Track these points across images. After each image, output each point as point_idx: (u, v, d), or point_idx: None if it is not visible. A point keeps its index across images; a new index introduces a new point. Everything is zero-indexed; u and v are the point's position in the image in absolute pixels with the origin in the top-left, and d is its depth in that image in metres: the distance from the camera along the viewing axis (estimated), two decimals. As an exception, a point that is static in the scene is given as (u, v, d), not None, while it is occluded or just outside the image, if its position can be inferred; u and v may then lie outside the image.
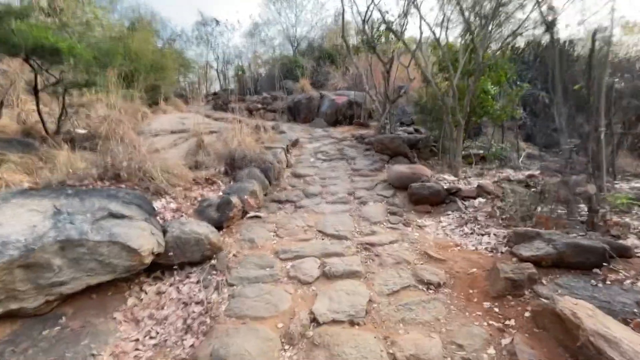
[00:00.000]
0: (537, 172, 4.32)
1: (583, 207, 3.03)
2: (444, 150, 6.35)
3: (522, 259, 2.08)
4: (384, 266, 2.48)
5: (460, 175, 4.59)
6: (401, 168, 4.31)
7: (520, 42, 8.59)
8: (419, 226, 3.22)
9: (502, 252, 2.42)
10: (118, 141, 4.98)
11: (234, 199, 3.34)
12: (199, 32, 19.40)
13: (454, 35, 7.32)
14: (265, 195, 4.18)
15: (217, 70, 19.40)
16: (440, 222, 3.29)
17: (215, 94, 16.41)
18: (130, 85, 9.67)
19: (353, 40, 13.25)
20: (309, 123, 10.33)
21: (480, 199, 3.50)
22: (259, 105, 11.43)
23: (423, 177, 4.04)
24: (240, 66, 15.18)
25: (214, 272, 2.46)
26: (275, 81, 13.10)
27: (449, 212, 3.45)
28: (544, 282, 1.92)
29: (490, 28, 4.33)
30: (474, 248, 2.61)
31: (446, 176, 4.46)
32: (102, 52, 5.23)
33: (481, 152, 6.39)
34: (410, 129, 7.71)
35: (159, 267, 2.47)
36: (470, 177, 4.65)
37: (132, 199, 2.63)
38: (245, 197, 3.57)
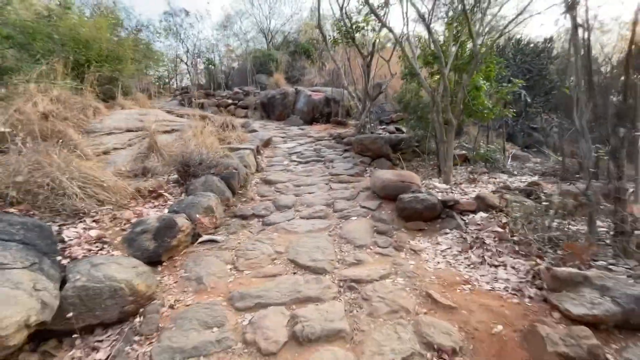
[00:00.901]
0: (537, 179, 3.83)
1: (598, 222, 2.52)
2: (429, 152, 5.81)
3: (572, 319, 1.49)
4: (376, 318, 1.81)
5: (450, 182, 4.02)
6: (387, 175, 3.67)
7: (500, 40, 8.24)
8: (414, 251, 2.58)
9: (530, 297, 1.82)
10: (56, 142, 4.08)
11: (181, 220, 2.55)
12: (168, 23, 18.00)
13: (442, 24, 6.76)
14: (227, 208, 3.41)
15: (186, 64, 18.11)
16: (439, 243, 2.67)
17: (184, 89, 15.21)
18: (81, 78, 8.51)
19: (331, 33, 12.53)
20: (283, 121, 9.55)
21: (482, 214, 2.92)
22: (230, 101, 10.49)
23: (413, 185, 3.42)
24: (209, 59, 14.05)
25: (136, 338, 1.69)
26: (247, 75, 12.17)
27: (447, 231, 2.84)
28: (609, 357, 1.33)
29: (486, 12, 3.77)
30: (489, 287, 2.00)
31: (436, 183, 3.88)
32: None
33: (464, 152, 5.91)
34: (391, 127, 7.14)
35: (55, 334, 1.67)
36: (461, 184, 4.10)
37: (18, 232, 1.80)
38: (198, 215, 2.79)
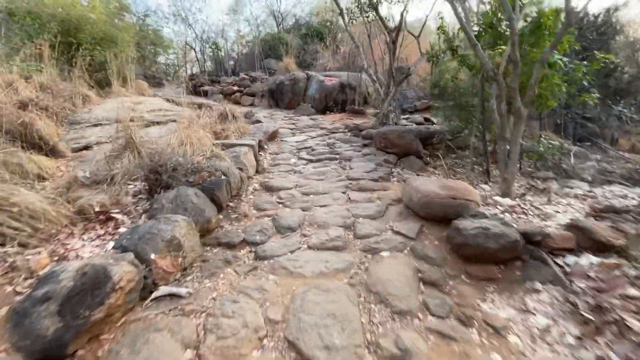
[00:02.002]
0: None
1: None
2: (465, 148, 4.68)
3: None
4: None
5: (513, 193, 2.93)
6: (429, 186, 2.60)
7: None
8: (493, 328, 1.55)
9: None
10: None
11: (119, 270, 1.59)
12: (176, 7, 16.97)
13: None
14: (207, 233, 2.44)
15: (195, 50, 17.12)
16: (529, 312, 1.63)
17: (191, 76, 14.28)
18: (72, 62, 7.65)
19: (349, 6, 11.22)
20: (293, 109, 8.49)
21: (590, 257, 1.84)
22: (235, 88, 9.48)
23: (470, 204, 2.35)
24: (215, 43, 12.98)
25: None
26: (255, 60, 11.09)
27: (537, 286, 1.78)
28: None
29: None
30: None
31: (497, 197, 2.79)
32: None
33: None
34: (418, 117, 5.99)
35: None
36: (525, 196, 3.00)
37: None
38: (154, 255, 1.83)
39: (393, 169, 4.07)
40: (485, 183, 3.71)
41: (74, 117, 6.04)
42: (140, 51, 16.23)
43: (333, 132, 6.03)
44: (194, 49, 17.26)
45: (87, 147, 4.87)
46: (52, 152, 4.27)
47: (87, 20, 8.06)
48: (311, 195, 3.28)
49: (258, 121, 6.02)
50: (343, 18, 6.06)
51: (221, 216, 2.76)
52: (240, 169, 3.45)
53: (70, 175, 2.93)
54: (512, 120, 2.94)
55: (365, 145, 5.08)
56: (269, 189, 3.47)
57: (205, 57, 16.20)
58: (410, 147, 4.29)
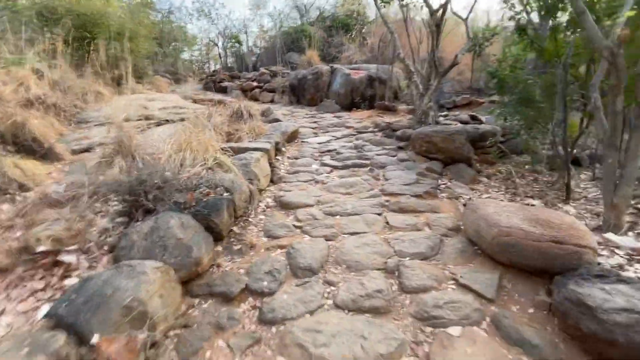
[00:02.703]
0: None
1: None
2: (536, 157, 3.76)
3: None
4: None
5: (623, 225, 2.04)
6: (509, 216, 1.78)
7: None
8: None
9: None
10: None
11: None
12: (200, 4, 16.63)
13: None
14: (196, 276, 1.77)
15: (217, 46, 16.74)
16: None
17: (212, 72, 13.88)
18: (86, 58, 7.31)
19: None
20: (316, 106, 7.76)
21: None
22: (254, 84, 8.86)
23: (584, 253, 1.52)
24: (234, 35, 12.43)
25: None
26: (277, 54, 10.43)
27: None
28: None
29: None
30: None
31: (609, 234, 1.92)
32: None
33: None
34: (463, 115, 5.07)
35: None
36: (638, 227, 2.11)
37: None
38: (97, 338, 1.17)
39: (439, 180, 3.24)
40: (565, 202, 2.81)
41: (83, 116, 5.62)
42: (162, 47, 16.10)
43: (361, 132, 5.25)
44: (217, 45, 16.90)
45: (88, 149, 4.35)
46: (48, 155, 3.78)
47: (103, 14, 7.67)
48: (337, 217, 2.54)
49: (276, 120, 5.34)
50: (377, 6, 5.20)
51: (220, 248, 2.08)
52: (250, 181, 2.77)
53: (40, 190, 2.36)
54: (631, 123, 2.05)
55: (400, 149, 4.27)
56: (284, 205, 2.76)
57: (227, 52, 15.78)
58: (460, 153, 3.44)
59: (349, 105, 7.32)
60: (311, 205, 2.76)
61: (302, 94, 8.19)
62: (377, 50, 9.36)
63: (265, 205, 2.79)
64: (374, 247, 2.06)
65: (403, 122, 5.04)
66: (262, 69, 9.65)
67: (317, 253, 2.01)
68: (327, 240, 2.21)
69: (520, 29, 3.06)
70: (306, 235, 2.29)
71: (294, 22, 14.96)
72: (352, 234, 2.28)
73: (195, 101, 7.90)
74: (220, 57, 16.74)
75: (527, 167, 4.16)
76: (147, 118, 5.66)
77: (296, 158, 4.15)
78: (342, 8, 13.22)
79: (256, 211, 2.65)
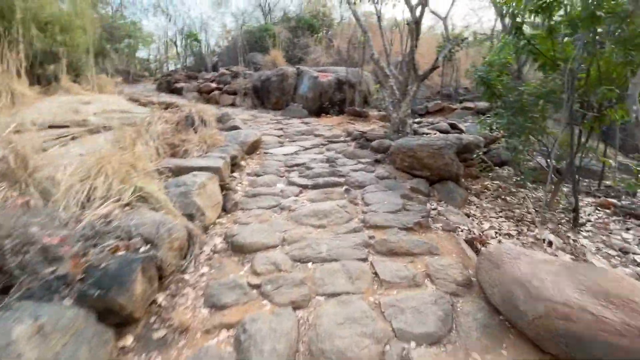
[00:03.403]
0: None
1: None
2: (503, 163, 3.37)
3: None
4: None
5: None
6: (562, 286, 1.22)
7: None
8: None
9: None
10: None
11: None
12: None
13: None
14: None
15: (176, 44, 15.38)
16: None
17: (169, 73, 12.61)
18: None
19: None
20: (281, 110, 7.04)
21: None
22: (214, 85, 7.93)
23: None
24: (192, 33, 11.32)
25: None
26: (238, 53, 9.53)
27: None
28: None
29: None
30: None
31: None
32: None
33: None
34: (442, 124, 4.62)
35: None
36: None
37: None
38: None
39: (428, 204, 2.69)
40: (574, 230, 2.38)
41: (-12, 122, 4.40)
42: (112, 43, 14.44)
43: (332, 142, 4.62)
44: (175, 44, 15.52)
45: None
46: None
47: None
48: (309, 265, 1.87)
49: (235, 127, 4.55)
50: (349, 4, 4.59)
51: (129, 341, 1.32)
52: (190, 218, 2.02)
53: None
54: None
55: (377, 162, 3.69)
56: (238, 248, 2.04)
57: (187, 52, 14.50)
58: (449, 170, 2.93)
59: (318, 110, 6.70)
60: (274, 247, 2.06)
61: (266, 97, 7.42)
62: (345, 53, 8.84)
63: (211, 250, 2.04)
64: (364, 323, 1.41)
65: (377, 131, 4.49)
66: (222, 69, 8.73)
67: (281, 340, 1.33)
68: (295, 308, 1.53)
69: (516, 28, 2.59)
70: (266, 302, 1.59)
71: (257, 21, 14.10)
72: (330, 295, 1.62)
73: (142, 104, 6.83)
74: (179, 57, 15.40)
75: (511, 180, 3.79)
76: (78, 125, 4.63)
77: (257, 175, 3.42)
78: (307, 7, 12.60)
79: (198, 261, 1.90)
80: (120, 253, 1.44)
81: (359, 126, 5.38)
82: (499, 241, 2.14)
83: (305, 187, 3.09)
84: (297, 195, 2.90)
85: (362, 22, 4.36)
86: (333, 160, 3.77)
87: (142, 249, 1.51)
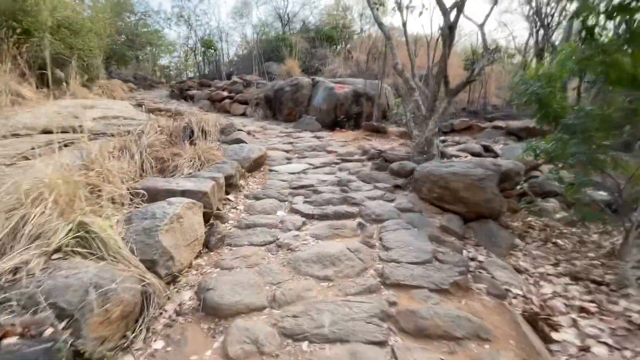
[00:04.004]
0: None
1: None
2: (582, 206, 2.70)
3: None
4: None
5: None
6: None
7: None
8: None
9: None
10: None
11: None
12: (179, 9, 15.32)
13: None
14: None
15: (195, 53, 15.42)
16: None
17: (182, 80, 12.52)
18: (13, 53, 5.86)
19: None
20: (293, 122, 6.58)
21: None
22: (225, 94, 7.59)
23: None
24: (208, 40, 11.16)
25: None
26: (253, 62, 9.23)
27: None
28: None
29: None
30: None
31: None
32: None
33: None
34: (475, 145, 4.01)
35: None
36: None
37: None
38: None
39: (464, 250, 2.09)
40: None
41: (-20, 125, 4.15)
42: (134, 50, 14.56)
43: (346, 160, 4.08)
44: (195, 52, 15.55)
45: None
46: None
47: (39, 2, 6.21)
48: (304, 345, 1.32)
49: (239, 140, 4.08)
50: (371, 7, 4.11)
51: None
52: (151, 266, 1.50)
53: None
54: None
55: (398, 188, 3.12)
56: (211, 310, 1.50)
57: (205, 60, 14.47)
58: (490, 207, 2.32)
59: (332, 123, 6.20)
60: (260, 310, 1.52)
61: (278, 107, 7.00)
62: (364, 64, 8.37)
63: (175, 310, 1.51)
64: None
65: (398, 150, 3.92)
66: (235, 78, 8.40)
67: None
68: None
69: (588, 30, 2.00)
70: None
71: (276, 32, 13.92)
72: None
73: (149, 110, 6.52)
74: (197, 64, 15.40)
75: (561, 215, 3.12)
76: (74, 130, 4.27)
77: (257, 198, 2.91)
78: (328, 18, 12.31)
79: (152, 330, 1.37)
80: (7, 342, 0.92)
81: (377, 143, 4.83)
82: (574, 322, 1.52)
83: (310, 217, 2.55)
84: (299, 229, 2.35)
85: (385, 28, 3.84)
86: (345, 183, 3.22)
87: (47, 332, 0.99)
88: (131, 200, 2.08)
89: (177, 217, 1.79)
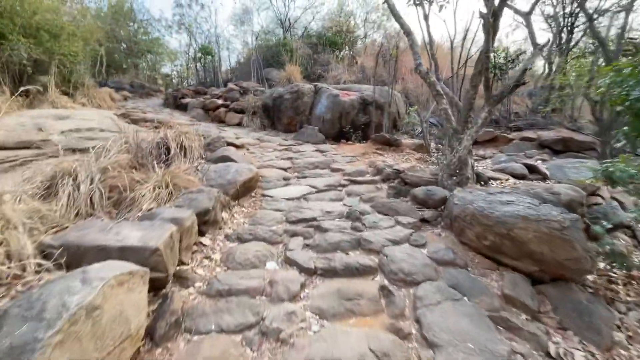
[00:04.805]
0: None
1: None
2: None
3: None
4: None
5: None
6: None
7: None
8: None
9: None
10: None
11: None
12: (180, 16, 14.85)
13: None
14: None
15: (195, 60, 14.85)
16: None
17: (176, 88, 11.88)
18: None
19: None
20: (294, 133, 5.87)
21: None
22: (220, 102, 6.90)
23: None
24: (204, 47, 10.54)
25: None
26: (252, 68, 8.56)
27: None
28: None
29: None
30: None
31: None
32: None
33: None
34: (514, 164, 3.24)
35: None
36: None
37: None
38: None
39: (550, 342, 1.33)
40: None
41: None
42: (131, 58, 14.03)
43: (355, 181, 3.34)
44: (194, 60, 15.00)
45: None
46: None
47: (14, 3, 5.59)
48: None
49: (225, 158, 3.35)
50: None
51: None
52: None
53: None
54: None
55: (424, 221, 2.37)
56: None
57: (204, 67, 13.88)
58: (577, 268, 1.56)
59: (337, 134, 5.47)
60: None
61: (277, 117, 6.29)
62: (369, 70, 7.68)
63: None
64: None
65: (419, 171, 3.16)
66: (231, 84, 7.72)
67: None
68: None
69: None
70: None
71: (277, 38, 13.32)
72: None
73: (133, 121, 5.84)
74: (197, 72, 14.83)
75: (635, 260, 2.35)
76: (35, 146, 3.59)
77: (241, 240, 2.17)
78: (330, 23, 11.67)
79: None
80: None
81: (390, 159, 4.08)
82: None
83: (311, 273, 1.81)
84: (295, 298, 1.61)
85: (404, 21, 3.12)
86: (357, 216, 2.47)
87: None
88: (39, 266, 1.35)
89: (88, 309, 1.05)
